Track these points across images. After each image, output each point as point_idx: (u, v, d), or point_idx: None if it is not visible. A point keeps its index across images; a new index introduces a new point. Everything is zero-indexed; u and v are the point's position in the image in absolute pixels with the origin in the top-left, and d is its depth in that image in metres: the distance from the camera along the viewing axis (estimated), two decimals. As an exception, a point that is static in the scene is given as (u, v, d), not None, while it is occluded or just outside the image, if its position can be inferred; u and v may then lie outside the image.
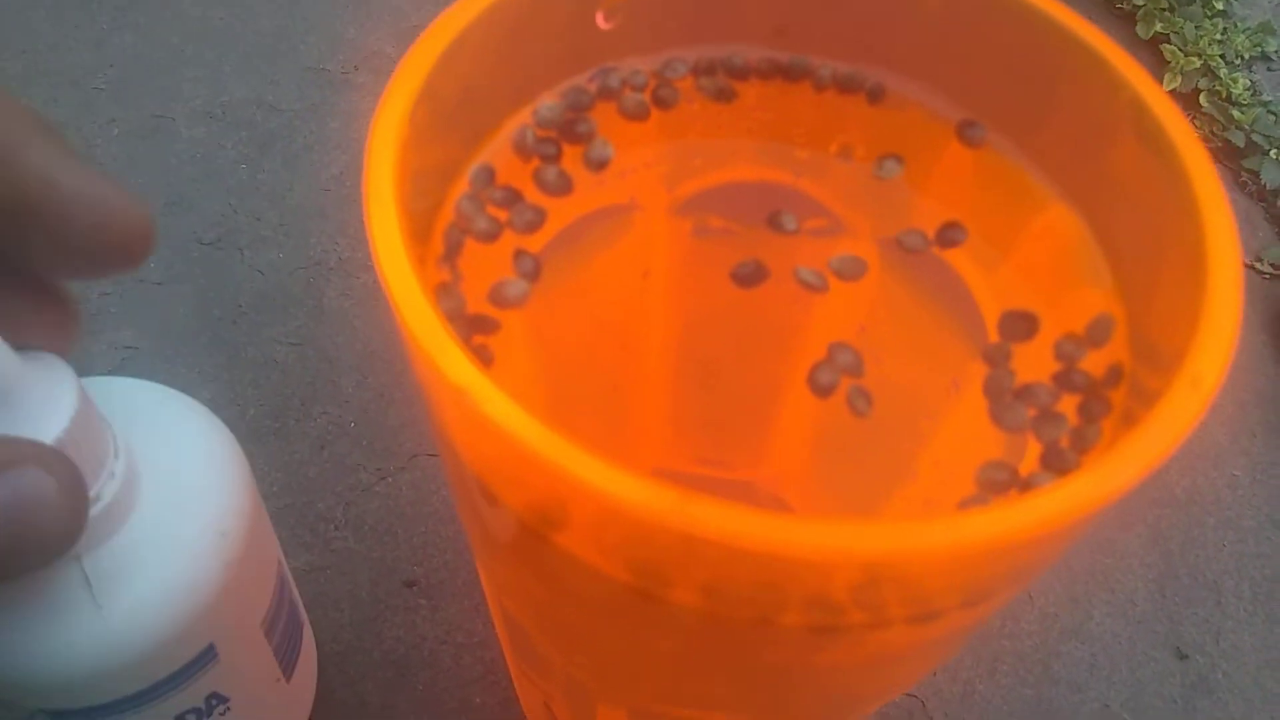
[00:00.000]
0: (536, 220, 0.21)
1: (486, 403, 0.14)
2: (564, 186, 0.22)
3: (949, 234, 0.23)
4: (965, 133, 0.23)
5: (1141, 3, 0.61)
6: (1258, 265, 0.52)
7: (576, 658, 0.22)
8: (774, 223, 0.24)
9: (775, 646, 0.17)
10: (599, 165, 0.22)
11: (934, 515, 0.14)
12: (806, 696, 0.21)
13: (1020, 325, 0.21)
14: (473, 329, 0.20)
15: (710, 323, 0.27)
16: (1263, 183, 0.55)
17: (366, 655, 0.34)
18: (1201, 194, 0.18)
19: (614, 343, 0.28)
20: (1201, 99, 0.58)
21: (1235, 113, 0.57)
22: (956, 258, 0.24)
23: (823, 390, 0.23)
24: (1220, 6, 0.62)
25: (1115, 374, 0.20)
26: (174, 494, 0.20)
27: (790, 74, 0.24)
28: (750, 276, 0.24)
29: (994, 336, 0.22)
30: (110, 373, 0.39)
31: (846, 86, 0.24)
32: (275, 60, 0.52)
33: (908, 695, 0.36)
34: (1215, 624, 0.39)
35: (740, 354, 0.28)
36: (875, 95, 0.23)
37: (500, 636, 0.29)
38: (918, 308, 0.25)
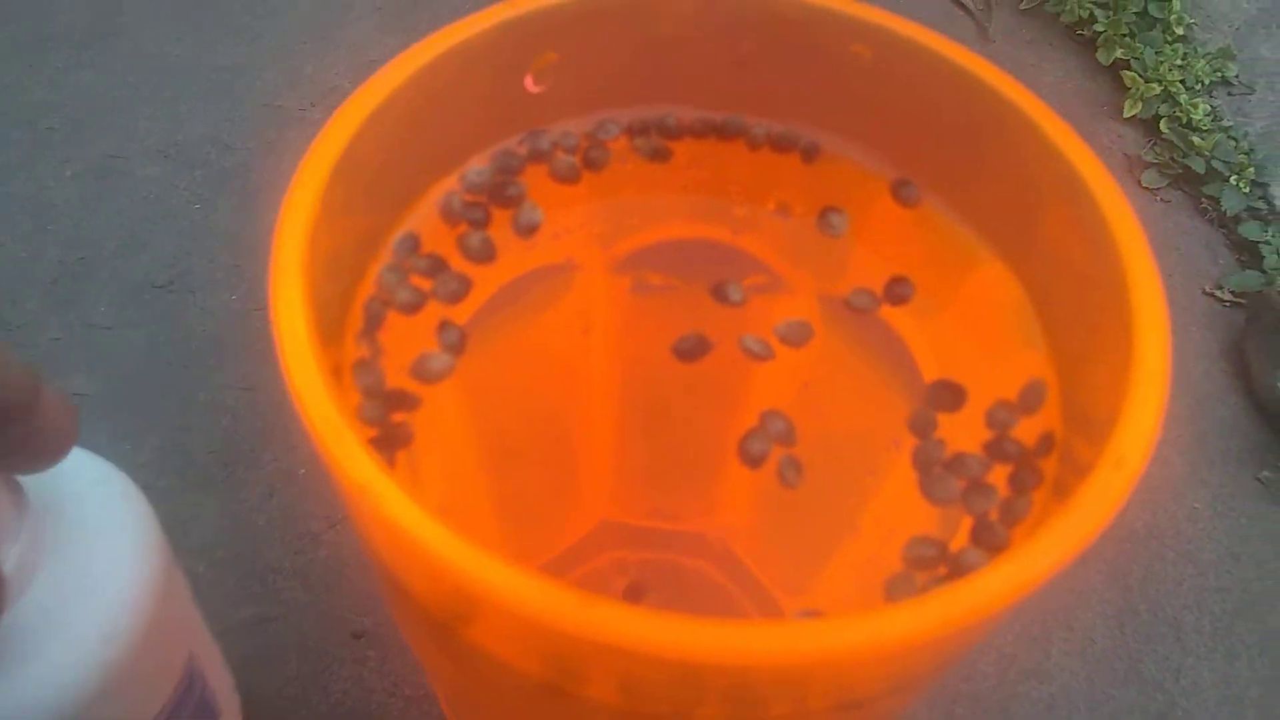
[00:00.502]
0: (461, 290, 0.21)
1: (386, 503, 0.14)
2: (488, 254, 0.21)
3: (896, 289, 0.23)
4: (899, 191, 0.23)
5: (1102, 29, 0.62)
6: (1218, 293, 0.52)
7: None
8: (719, 293, 0.24)
9: (695, 739, 0.16)
10: (528, 230, 0.22)
11: (851, 611, 0.14)
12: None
13: (947, 396, 0.21)
14: (391, 406, 0.19)
15: (653, 380, 0.27)
16: (1223, 209, 0.55)
17: (313, 708, 0.33)
18: (1130, 266, 0.18)
19: (558, 395, 0.27)
20: (1162, 125, 0.58)
21: (1195, 139, 0.57)
22: (898, 316, 0.23)
23: (753, 461, 0.23)
24: (1180, 32, 0.62)
25: (1047, 443, 0.20)
26: (71, 583, 0.19)
27: (724, 132, 0.24)
28: (692, 351, 0.24)
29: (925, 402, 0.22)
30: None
31: (780, 145, 0.23)
32: (232, 97, 0.51)
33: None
34: (1175, 660, 0.39)
35: (685, 407, 0.27)
36: (810, 154, 0.23)
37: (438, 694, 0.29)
38: (860, 364, 0.25)
